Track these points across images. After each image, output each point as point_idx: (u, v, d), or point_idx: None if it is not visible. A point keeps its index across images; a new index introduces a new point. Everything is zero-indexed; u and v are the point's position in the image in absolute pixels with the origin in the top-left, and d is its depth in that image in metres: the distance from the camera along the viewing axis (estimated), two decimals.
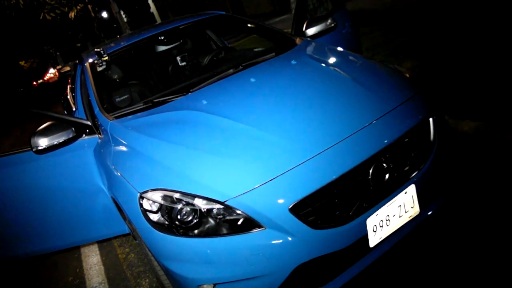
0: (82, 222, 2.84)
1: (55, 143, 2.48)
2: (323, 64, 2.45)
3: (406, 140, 1.91)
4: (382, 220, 1.82)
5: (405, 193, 1.87)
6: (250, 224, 1.70)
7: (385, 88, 2.13)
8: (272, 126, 1.93)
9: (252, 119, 2.03)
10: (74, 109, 3.51)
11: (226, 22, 3.64)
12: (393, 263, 2.15)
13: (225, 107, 2.20)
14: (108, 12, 11.50)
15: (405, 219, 1.91)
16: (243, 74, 2.55)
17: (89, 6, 12.34)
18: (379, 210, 1.80)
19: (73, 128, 2.55)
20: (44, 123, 2.54)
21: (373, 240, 1.82)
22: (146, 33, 3.34)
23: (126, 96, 2.95)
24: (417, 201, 1.92)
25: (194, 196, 1.77)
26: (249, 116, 2.05)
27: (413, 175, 1.90)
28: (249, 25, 3.50)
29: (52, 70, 12.21)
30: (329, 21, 3.18)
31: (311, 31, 3.15)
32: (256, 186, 1.68)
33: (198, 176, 1.83)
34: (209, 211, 1.75)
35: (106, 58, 2.87)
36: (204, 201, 1.75)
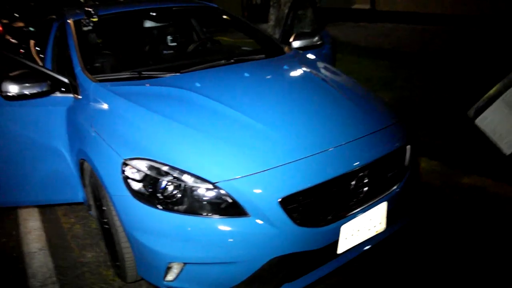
0: (31, 181, 2.68)
1: (26, 92, 2.33)
2: (315, 75, 2.56)
3: (386, 160, 2.05)
4: (353, 229, 1.93)
5: (378, 208, 2.00)
6: (236, 209, 1.72)
7: (372, 108, 2.28)
8: (270, 121, 1.99)
9: (248, 109, 2.07)
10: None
11: (217, 15, 3.65)
12: (353, 273, 2.27)
13: (221, 94, 2.21)
14: None
15: (372, 232, 2.03)
16: (236, 67, 2.58)
17: None
18: (353, 220, 1.90)
19: (48, 82, 2.42)
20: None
21: (342, 246, 1.91)
22: (138, 6, 3.26)
23: (110, 63, 2.84)
24: (385, 218, 2.06)
25: (183, 172, 1.76)
26: (247, 108, 2.09)
27: (386, 193, 2.04)
28: (239, 23, 3.54)
29: None
30: (317, 38, 3.31)
31: (296, 44, 3.26)
32: (251, 173, 1.71)
33: (190, 153, 1.83)
34: (196, 189, 1.74)
35: (96, 19, 2.75)
36: (193, 179, 1.74)
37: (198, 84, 2.32)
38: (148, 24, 3.38)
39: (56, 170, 2.61)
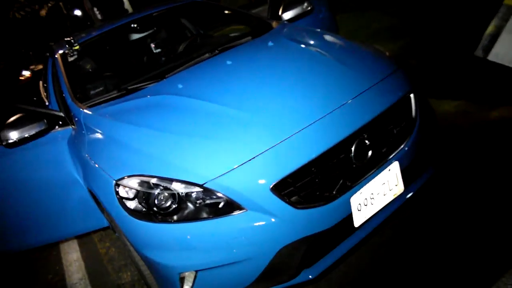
0: (59, 218, 2.73)
1: (26, 135, 2.37)
2: (301, 45, 2.40)
3: (388, 116, 1.88)
4: (366, 199, 1.79)
5: (389, 170, 1.84)
6: (230, 206, 1.64)
7: (365, 65, 2.09)
8: (251, 105, 1.87)
9: (230, 99, 1.96)
10: (47, 103, 3.38)
11: (201, 9, 3.55)
12: (380, 244, 2.13)
13: (202, 90, 2.12)
14: (81, 10, 11.13)
15: (390, 197, 1.88)
16: (219, 57, 2.48)
17: (61, 3, 11.95)
18: (363, 188, 1.76)
19: (45, 120, 2.44)
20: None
21: (358, 219, 1.78)
22: (118, 22, 3.23)
23: (99, 86, 2.84)
24: (401, 179, 1.89)
25: (171, 180, 1.70)
26: (227, 97, 1.99)
27: (396, 152, 1.87)
28: (225, 11, 3.42)
29: (25, 73, 11.40)
30: (305, 4, 3.12)
31: (287, 15, 3.09)
32: (235, 166, 1.62)
33: (175, 160, 1.76)
34: (188, 195, 1.68)
35: (77, 47, 2.76)
36: (183, 185, 1.68)
37: (180, 86, 2.24)
38: (135, 36, 3.35)
39: (79, 200, 2.63)
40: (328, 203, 1.68)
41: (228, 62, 2.35)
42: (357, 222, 1.78)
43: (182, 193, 1.68)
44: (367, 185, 1.77)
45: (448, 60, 3.65)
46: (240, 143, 1.69)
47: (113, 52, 3.36)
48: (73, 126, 2.50)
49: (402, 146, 1.89)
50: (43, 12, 12.68)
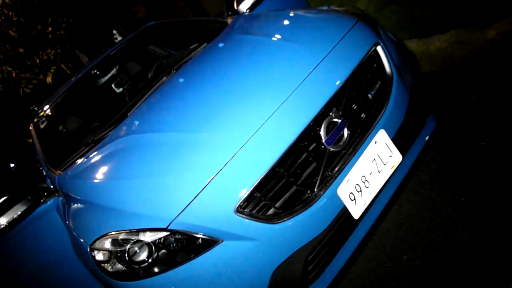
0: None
1: (14, 217, 2.28)
2: (251, 36, 2.15)
3: (355, 81, 1.61)
4: (358, 184, 1.53)
5: (375, 143, 1.57)
6: (205, 242, 1.43)
7: (319, 33, 1.82)
8: (202, 123, 1.66)
9: (182, 123, 1.76)
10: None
11: (158, 31, 3.37)
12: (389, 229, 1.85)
13: (157, 120, 1.94)
14: (80, 64, 11.48)
15: (388, 172, 1.60)
16: (174, 77, 2.28)
17: (62, 65, 12.26)
18: (349, 174, 1.51)
19: (28, 197, 2.35)
20: None
21: (356, 210, 1.52)
22: (80, 73, 3.13)
23: (71, 145, 2.73)
24: (394, 147, 1.61)
25: (138, 232, 1.52)
26: (180, 121, 1.79)
27: (377, 120, 1.60)
28: (178, 25, 3.22)
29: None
30: None
31: (244, 6, 2.85)
32: (192, 198, 1.41)
33: (137, 207, 1.59)
34: (159, 242, 1.50)
35: (42, 113, 2.68)
36: (150, 233, 1.50)
37: (136, 122, 2.06)
38: (102, 81, 3.23)
39: (79, 274, 2.52)
40: (311, 205, 1.44)
41: (180, 80, 2.14)
42: (356, 214, 1.52)
43: (153, 241, 1.50)
44: (353, 168, 1.51)
45: None
46: (192, 171, 1.48)
47: (80, 105, 3.25)
48: (57, 194, 2.40)
49: (383, 111, 1.61)
50: (49, 79, 13.05)
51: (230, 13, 3.01)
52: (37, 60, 12.00)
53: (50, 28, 11.56)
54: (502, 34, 2.23)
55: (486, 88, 2.11)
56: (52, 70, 12.39)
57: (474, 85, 2.17)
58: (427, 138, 1.78)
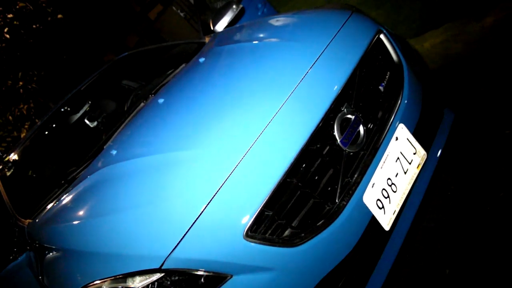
0: None
1: None
2: (234, 44, 1.96)
3: (363, 73, 1.40)
4: (384, 189, 1.28)
5: (396, 139, 1.35)
6: (208, 281, 1.15)
7: (314, 28, 1.63)
8: (190, 139, 1.41)
9: (167, 142, 1.51)
10: None
11: (130, 62, 3.16)
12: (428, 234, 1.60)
13: (135, 146, 1.69)
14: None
15: (414, 171, 1.37)
16: (153, 100, 2.04)
17: (36, 120, 11.98)
18: (373, 178, 1.27)
19: None
20: None
21: (385, 219, 1.27)
22: (48, 113, 2.88)
23: (43, 189, 2.43)
24: (416, 143, 1.39)
25: (125, 277, 1.23)
26: (163, 141, 1.53)
27: (394, 112, 1.38)
28: (153, 52, 3.03)
29: None
30: (234, 6, 2.70)
31: (220, 26, 2.67)
32: (188, 228, 1.14)
33: (123, 247, 1.30)
34: (152, 286, 1.21)
35: (7, 158, 2.39)
36: (140, 277, 1.21)
37: (114, 152, 1.80)
38: (74, 118, 2.97)
39: None
40: (334, 219, 1.18)
41: (160, 101, 1.90)
42: (386, 224, 1.27)
43: (142, 287, 1.21)
44: (377, 171, 1.28)
45: None
46: (185, 195, 1.22)
47: (52, 145, 2.97)
48: (28, 248, 2.08)
49: (399, 103, 1.40)
50: (23, 135, 12.74)
51: (201, 35, 2.83)
52: (10, 117, 11.67)
53: (21, 83, 11.31)
54: (500, 21, 2.09)
55: (494, 77, 1.94)
56: (26, 126, 12.04)
57: (481, 76, 2.00)
58: (448, 131, 1.56)
